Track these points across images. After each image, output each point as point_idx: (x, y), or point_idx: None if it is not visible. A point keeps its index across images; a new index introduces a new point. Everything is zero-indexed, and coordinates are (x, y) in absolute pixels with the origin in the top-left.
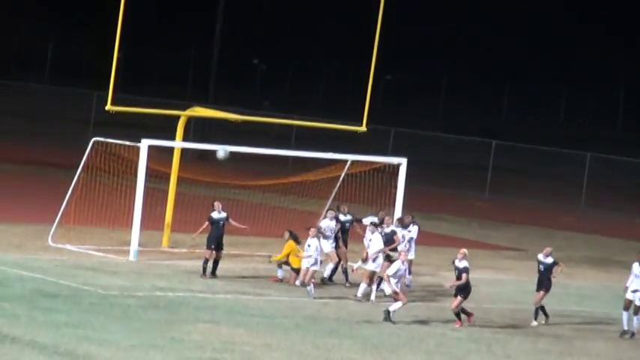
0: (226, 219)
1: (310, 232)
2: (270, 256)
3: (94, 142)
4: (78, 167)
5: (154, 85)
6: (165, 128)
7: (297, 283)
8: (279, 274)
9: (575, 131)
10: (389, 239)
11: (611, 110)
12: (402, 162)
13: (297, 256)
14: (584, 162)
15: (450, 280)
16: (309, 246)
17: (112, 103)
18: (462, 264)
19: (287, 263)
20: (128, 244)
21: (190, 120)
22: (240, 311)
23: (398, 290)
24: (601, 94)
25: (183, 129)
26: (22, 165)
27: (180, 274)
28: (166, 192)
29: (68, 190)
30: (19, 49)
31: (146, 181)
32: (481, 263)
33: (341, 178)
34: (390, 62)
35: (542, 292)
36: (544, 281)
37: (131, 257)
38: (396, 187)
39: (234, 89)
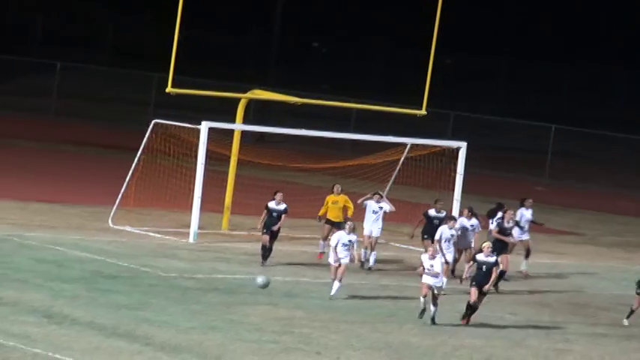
0: (284, 212)
1: (347, 226)
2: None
3: (155, 124)
4: (138, 149)
5: (214, 67)
6: (224, 110)
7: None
8: (320, 246)
9: (636, 116)
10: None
11: None
12: (462, 145)
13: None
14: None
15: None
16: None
17: (173, 86)
18: (492, 258)
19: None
20: (188, 226)
21: (250, 102)
22: (299, 294)
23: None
24: None
25: (243, 111)
26: (82, 146)
27: (240, 256)
28: (226, 174)
29: (128, 171)
30: (81, 31)
31: (206, 163)
32: (540, 247)
33: (400, 162)
34: (450, 45)
35: None
36: None
37: (190, 239)
38: (455, 171)
39: (293, 71)
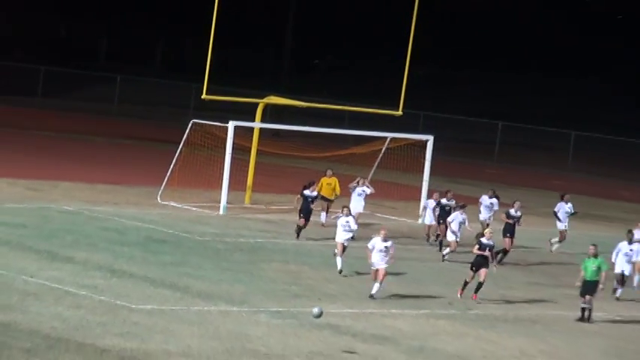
0: (316, 197)
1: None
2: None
3: (193, 123)
4: (180, 142)
5: (238, 78)
6: (247, 112)
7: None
8: (322, 217)
9: (562, 113)
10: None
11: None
12: (430, 138)
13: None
14: (568, 138)
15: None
16: (347, 222)
17: (207, 93)
18: (491, 242)
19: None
20: (218, 201)
21: (267, 105)
22: (305, 253)
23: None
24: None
25: (261, 113)
26: (137, 140)
27: (259, 224)
28: (248, 161)
29: (172, 160)
30: (136, 50)
31: (232, 153)
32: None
33: (382, 151)
34: (426, 58)
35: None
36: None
37: (221, 212)
38: (424, 159)
39: (301, 80)
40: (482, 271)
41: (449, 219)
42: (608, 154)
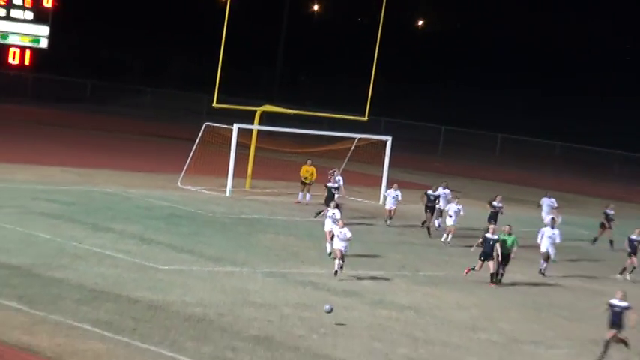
0: (337, 188)
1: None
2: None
3: (206, 126)
4: (196, 140)
5: (240, 90)
6: (247, 117)
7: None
8: (301, 198)
9: (493, 119)
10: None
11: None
12: (389, 139)
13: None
14: (496, 139)
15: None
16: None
17: (216, 102)
18: (495, 236)
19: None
20: (225, 186)
21: (263, 112)
22: (292, 227)
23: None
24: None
25: (258, 118)
26: (162, 138)
27: (256, 204)
28: (248, 155)
29: (190, 153)
30: (160, 67)
31: (236, 148)
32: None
33: (352, 148)
34: (387, 74)
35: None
36: None
37: (227, 194)
38: (384, 154)
39: (289, 92)
40: (491, 263)
41: (446, 208)
42: (528, 152)
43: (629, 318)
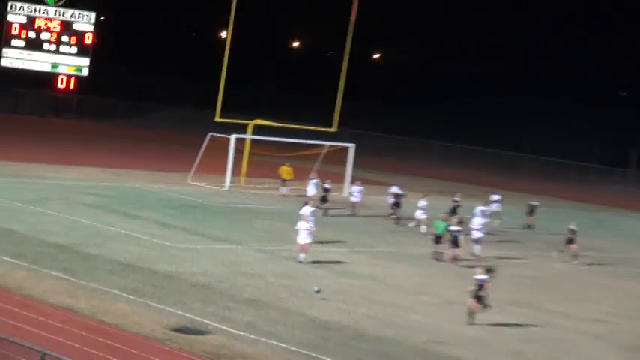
0: (329, 190)
1: (310, 205)
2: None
3: (210, 136)
4: (202, 146)
5: (237, 107)
6: (242, 128)
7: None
8: (282, 191)
9: (429, 130)
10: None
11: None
12: (352, 146)
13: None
14: (432, 146)
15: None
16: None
17: (219, 117)
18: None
19: (283, 180)
20: (225, 182)
21: (255, 125)
22: (278, 214)
23: None
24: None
25: (252, 129)
26: (178, 144)
27: (250, 196)
28: (242, 158)
29: (197, 157)
30: (172, 88)
31: (234, 153)
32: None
33: (323, 153)
34: (350, 92)
35: None
36: None
37: (226, 188)
38: (348, 158)
39: (277, 110)
40: (458, 250)
41: (418, 204)
42: (462, 156)
43: (487, 287)
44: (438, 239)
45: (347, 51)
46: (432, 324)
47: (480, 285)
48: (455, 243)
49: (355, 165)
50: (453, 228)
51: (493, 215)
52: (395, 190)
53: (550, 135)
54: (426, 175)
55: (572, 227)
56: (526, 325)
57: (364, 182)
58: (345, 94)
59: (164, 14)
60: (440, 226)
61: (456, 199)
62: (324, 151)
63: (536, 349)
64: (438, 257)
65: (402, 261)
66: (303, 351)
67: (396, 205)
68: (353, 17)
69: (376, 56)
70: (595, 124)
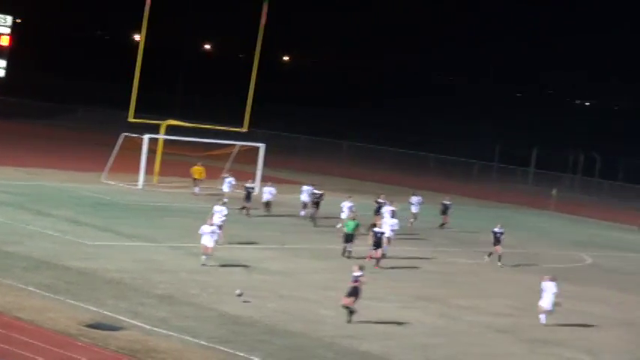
0: (252, 188)
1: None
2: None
3: (124, 135)
4: (116, 146)
5: (150, 108)
6: (156, 128)
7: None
8: (195, 190)
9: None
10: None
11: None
12: (262, 146)
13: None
14: (342, 146)
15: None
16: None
17: (132, 117)
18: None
19: (195, 179)
20: (139, 180)
21: (167, 125)
22: (189, 211)
23: None
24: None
25: (164, 129)
26: (88, 144)
27: (162, 195)
28: (155, 157)
29: (111, 156)
30: (85, 88)
31: (147, 152)
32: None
33: (234, 152)
34: (259, 94)
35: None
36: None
37: (139, 186)
38: (258, 157)
39: (187, 110)
40: (379, 251)
41: (341, 205)
42: (366, 155)
43: (361, 282)
44: (347, 238)
45: (257, 54)
46: (341, 319)
47: (355, 281)
48: (378, 244)
49: (266, 164)
50: (377, 229)
51: (412, 215)
52: (307, 188)
53: (454, 135)
54: (335, 174)
55: (496, 229)
56: (432, 319)
57: (275, 181)
58: (256, 96)
59: (79, 18)
60: (350, 224)
61: (380, 200)
62: (235, 150)
63: (442, 343)
64: (347, 255)
65: (311, 257)
66: (216, 346)
67: (315, 204)
68: (263, 21)
69: (286, 58)
70: (498, 125)
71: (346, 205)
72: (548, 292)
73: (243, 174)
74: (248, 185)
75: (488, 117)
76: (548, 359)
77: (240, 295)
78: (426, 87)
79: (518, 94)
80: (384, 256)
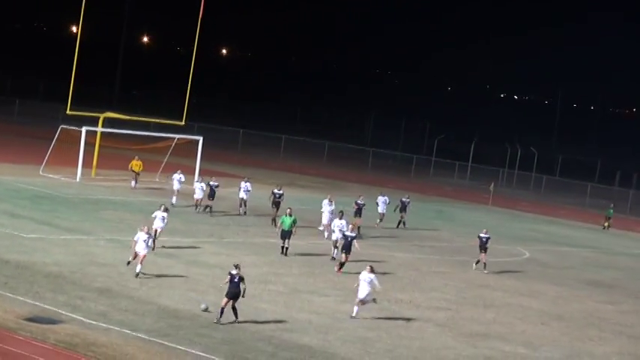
0: (217, 186)
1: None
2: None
3: (61, 128)
4: (53, 139)
5: (89, 101)
6: (94, 121)
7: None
8: (133, 184)
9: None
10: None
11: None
12: (200, 138)
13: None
14: (280, 141)
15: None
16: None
17: (70, 110)
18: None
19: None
20: (76, 174)
21: (105, 117)
22: (127, 205)
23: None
24: None
25: (102, 122)
26: (26, 137)
27: (100, 188)
28: (93, 150)
29: (49, 149)
30: (22, 81)
31: (85, 145)
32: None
33: (173, 145)
34: (197, 87)
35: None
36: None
37: (77, 180)
38: (197, 150)
39: (126, 104)
40: (345, 255)
41: (323, 202)
42: (304, 149)
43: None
44: (283, 234)
45: (195, 47)
46: (280, 312)
47: (236, 283)
48: (348, 248)
49: (204, 157)
50: (348, 233)
51: (379, 215)
52: (277, 190)
53: (393, 129)
54: (273, 168)
55: (482, 234)
56: (372, 313)
57: (215, 175)
58: (194, 89)
59: (15, 9)
60: (286, 221)
61: (359, 201)
62: (173, 143)
63: (381, 337)
64: (285, 253)
65: (249, 251)
66: (155, 339)
67: (276, 205)
68: (201, 14)
69: (224, 52)
70: (435, 119)
71: (326, 203)
72: (364, 282)
73: (182, 168)
74: (212, 183)
75: (425, 111)
76: (488, 353)
77: (205, 309)
78: (363, 81)
79: (449, 87)
80: (333, 259)
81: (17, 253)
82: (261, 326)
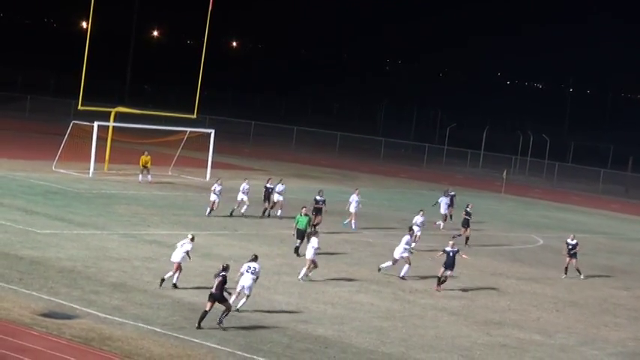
0: (273, 189)
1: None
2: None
3: (73, 124)
4: (66, 134)
5: (101, 96)
6: (106, 116)
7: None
8: (140, 178)
9: (287, 118)
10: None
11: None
12: (212, 131)
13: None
14: (292, 132)
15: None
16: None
17: (81, 105)
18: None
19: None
20: (89, 169)
21: (117, 112)
22: (140, 199)
23: None
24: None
25: (114, 117)
26: (38, 134)
27: (113, 182)
28: (106, 144)
29: (61, 145)
30: (33, 78)
31: (97, 140)
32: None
33: (185, 138)
34: (208, 80)
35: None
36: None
37: (90, 175)
38: (209, 143)
39: (137, 98)
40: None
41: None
42: (315, 140)
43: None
44: (300, 234)
45: (206, 40)
46: (295, 303)
47: (221, 282)
48: (452, 265)
49: (216, 151)
50: (449, 249)
51: (442, 217)
52: (269, 185)
53: (405, 119)
54: (285, 160)
55: (569, 240)
56: (387, 303)
57: (226, 168)
58: (204, 82)
59: (26, 5)
60: (302, 220)
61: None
62: (185, 136)
63: (396, 326)
64: (299, 253)
65: (262, 243)
66: (170, 333)
67: (317, 211)
68: (210, 6)
69: (234, 44)
70: (443, 109)
71: (354, 198)
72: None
73: (195, 162)
74: (268, 185)
75: (436, 100)
76: (503, 340)
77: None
78: (377, 72)
79: (461, 76)
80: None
81: (31, 248)
82: (276, 317)
